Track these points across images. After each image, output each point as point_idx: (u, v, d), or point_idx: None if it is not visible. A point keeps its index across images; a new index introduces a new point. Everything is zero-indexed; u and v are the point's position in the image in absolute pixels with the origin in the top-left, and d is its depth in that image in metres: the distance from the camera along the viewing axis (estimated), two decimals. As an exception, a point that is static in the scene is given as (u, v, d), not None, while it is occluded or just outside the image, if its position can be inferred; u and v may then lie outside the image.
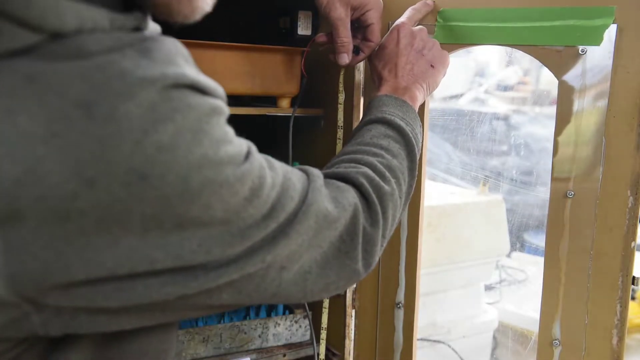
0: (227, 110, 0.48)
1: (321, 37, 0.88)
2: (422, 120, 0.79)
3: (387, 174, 0.66)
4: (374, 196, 0.62)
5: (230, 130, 0.48)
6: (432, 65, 0.81)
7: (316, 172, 0.59)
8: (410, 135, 0.72)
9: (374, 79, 0.82)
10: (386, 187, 0.64)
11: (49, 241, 0.40)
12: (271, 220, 0.50)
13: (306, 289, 0.55)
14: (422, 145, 0.77)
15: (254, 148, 0.51)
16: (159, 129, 0.41)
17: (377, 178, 0.64)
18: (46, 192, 0.39)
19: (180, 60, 0.45)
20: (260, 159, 0.51)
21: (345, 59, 0.85)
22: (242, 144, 0.49)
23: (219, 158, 0.44)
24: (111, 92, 0.40)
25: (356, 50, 0.86)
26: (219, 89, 0.47)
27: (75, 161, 0.39)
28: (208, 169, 0.43)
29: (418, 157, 0.73)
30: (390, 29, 0.83)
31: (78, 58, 0.41)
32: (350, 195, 0.60)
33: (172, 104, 0.42)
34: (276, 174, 0.52)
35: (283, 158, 1.06)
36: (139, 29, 0.49)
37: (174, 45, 0.46)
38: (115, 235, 0.42)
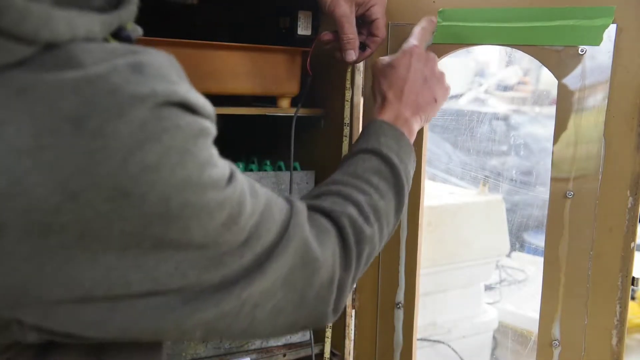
0: (214, 131, 0.47)
1: (326, 36, 0.87)
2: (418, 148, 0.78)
3: (372, 216, 0.65)
4: (352, 241, 0.61)
5: (215, 153, 0.47)
6: (435, 99, 0.80)
7: (300, 207, 0.58)
8: (402, 174, 0.71)
9: (376, 96, 0.81)
10: (368, 230, 0.63)
11: (30, 254, 0.40)
12: (247, 249, 0.50)
13: (276, 327, 0.55)
14: (411, 180, 0.76)
15: (237, 171, 0.50)
16: (145, 149, 0.41)
17: (360, 220, 0.63)
18: (30, 205, 0.39)
19: (173, 75, 0.44)
20: (242, 184, 0.50)
21: (352, 55, 0.84)
22: (225, 168, 0.48)
23: (202, 181, 0.44)
24: (101, 108, 0.40)
25: (362, 47, 0.86)
26: (209, 108, 0.47)
27: (61, 175, 0.39)
28: (190, 192, 0.43)
29: (406, 196, 0.72)
30: (403, 49, 0.81)
31: (70, 69, 0.40)
32: (332, 239, 0.59)
33: (161, 124, 0.41)
34: (257, 202, 0.52)
35: (283, 158, 1.06)
36: (123, 29, 0.48)
37: (168, 60, 0.45)
38: (94, 252, 0.42)
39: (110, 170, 0.40)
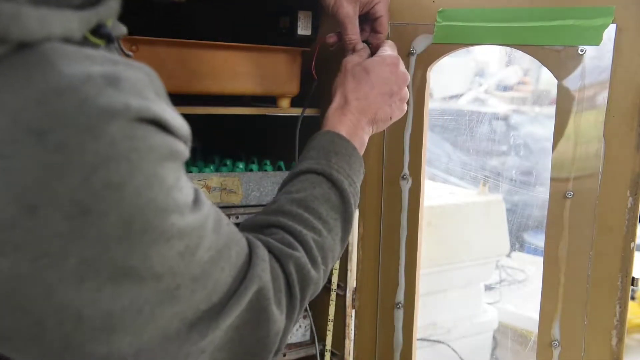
0: (186, 154, 0.46)
1: (331, 38, 0.86)
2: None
3: (319, 259, 0.63)
4: (297, 289, 0.60)
5: (183, 176, 0.46)
6: (390, 117, 0.78)
7: (261, 254, 0.56)
8: (352, 200, 0.69)
9: (336, 95, 0.77)
10: (314, 275, 0.62)
11: None
12: (199, 285, 0.48)
13: None
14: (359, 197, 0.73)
15: (203, 199, 0.49)
16: (111, 167, 0.39)
17: (308, 266, 0.61)
18: None
19: (150, 93, 0.43)
20: (206, 216, 0.49)
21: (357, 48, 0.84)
22: (190, 193, 0.47)
23: (166, 204, 0.43)
24: (66, 121, 0.38)
25: (365, 44, 0.86)
26: (185, 129, 0.45)
27: (18, 186, 0.38)
28: (153, 214, 0.42)
29: (353, 217, 0.70)
30: (382, 56, 0.79)
31: (39, 73, 0.39)
32: (281, 286, 0.58)
33: (131, 143, 0.40)
34: (217, 239, 0.50)
35: (283, 158, 1.06)
36: (103, 25, 0.47)
37: (148, 77, 0.44)
38: (48, 285, 0.40)
39: (71, 186, 0.38)
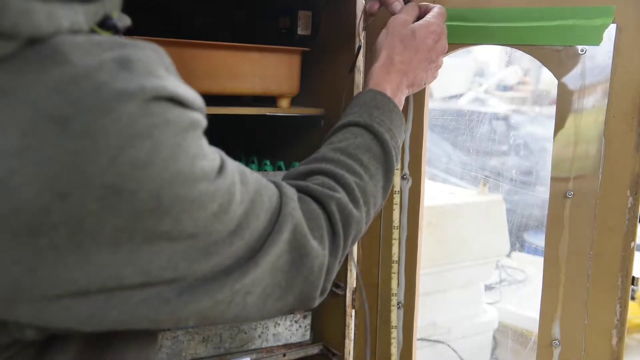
0: (204, 123, 0.47)
1: (374, 5, 0.85)
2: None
3: (361, 200, 0.65)
4: (340, 227, 0.61)
5: (205, 144, 0.47)
6: (424, 82, 0.81)
7: (290, 193, 0.58)
8: (392, 152, 0.71)
9: (381, 53, 0.78)
10: (356, 214, 0.64)
11: (19, 256, 0.40)
12: (236, 237, 0.50)
13: (264, 311, 0.55)
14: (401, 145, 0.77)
15: (227, 160, 0.50)
16: (135, 145, 0.40)
17: (350, 205, 0.63)
18: (18, 206, 0.38)
19: (161, 70, 0.44)
20: (232, 172, 0.50)
21: (397, 7, 0.83)
22: (216, 158, 0.48)
23: (193, 174, 0.44)
24: (86, 106, 0.39)
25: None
26: (199, 100, 0.47)
27: (48, 175, 0.39)
28: (181, 185, 0.43)
29: (394, 171, 0.72)
30: (429, 21, 0.79)
31: (54, 65, 0.40)
32: (322, 224, 0.60)
33: (151, 120, 0.41)
34: (246, 190, 0.52)
35: (283, 158, 1.06)
36: (109, 17, 0.48)
37: (156, 53, 0.45)
38: (86, 250, 0.41)
39: (100, 169, 0.39)
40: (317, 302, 0.60)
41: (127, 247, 0.43)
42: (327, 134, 0.73)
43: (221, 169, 0.48)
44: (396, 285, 0.96)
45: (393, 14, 0.82)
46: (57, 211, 0.39)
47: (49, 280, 0.41)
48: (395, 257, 0.96)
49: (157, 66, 0.44)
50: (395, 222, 0.95)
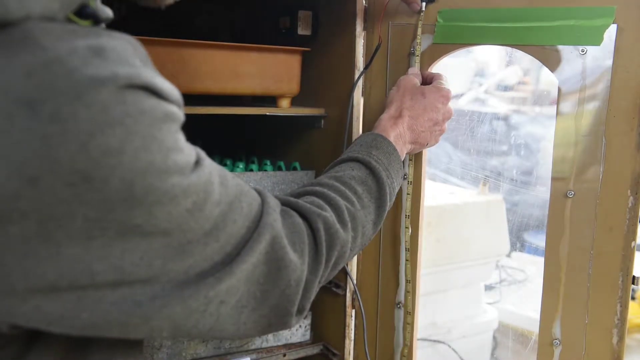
0: (181, 117, 0.47)
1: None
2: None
3: (350, 224, 0.66)
4: (324, 245, 0.61)
5: (181, 138, 0.46)
6: (427, 143, 0.84)
7: (272, 203, 0.58)
8: (387, 190, 0.73)
9: (392, 106, 0.83)
10: (342, 235, 0.64)
11: None
12: (211, 239, 0.49)
13: (240, 323, 0.54)
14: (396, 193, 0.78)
15: (205, 159, 0.50)
16: (107, 132, 0.40)
17: (337, 225, 0.63)
18: None
19: (136, 60, 0.44)
20: (210, 172, 0.49)
21: (417, 6, 0.88)
22: (192, 154, 0.48)
23: (166, 166, 0.43)
24: (57, 91, 0.39)
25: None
26: (175, 93, 0.46)
27: (17, 160, 0.38)
28: (153, 176, 0.43)
29: (386, 212, 0.73)
30: (439, 87, 0.84)
31: (25, 49, 0.39)
32: (304, 240, 0.59)
33: (124, 107, 0.41)
34: (225, 192, 0.51)
35: (283, 158, 1.06)
36: (86, 5, 0.47)
37: (131, 45, 0.45)
38: (57, 243, 0.41)
39: (70, 154, 0.39)
40: (294, 321, 0.59)
41: (100, 241, 0.42)
42: (326, 168, 0.75)
43: (197, 165, 0.48)
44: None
45: (414, 11, 0.88)
46: (27, 197, 0.39)
47: (19, 273, 0.41)
48: (405, 255, 0.96)
49: (132, 56, 0.43)
50: (408, 211, 0.95)
